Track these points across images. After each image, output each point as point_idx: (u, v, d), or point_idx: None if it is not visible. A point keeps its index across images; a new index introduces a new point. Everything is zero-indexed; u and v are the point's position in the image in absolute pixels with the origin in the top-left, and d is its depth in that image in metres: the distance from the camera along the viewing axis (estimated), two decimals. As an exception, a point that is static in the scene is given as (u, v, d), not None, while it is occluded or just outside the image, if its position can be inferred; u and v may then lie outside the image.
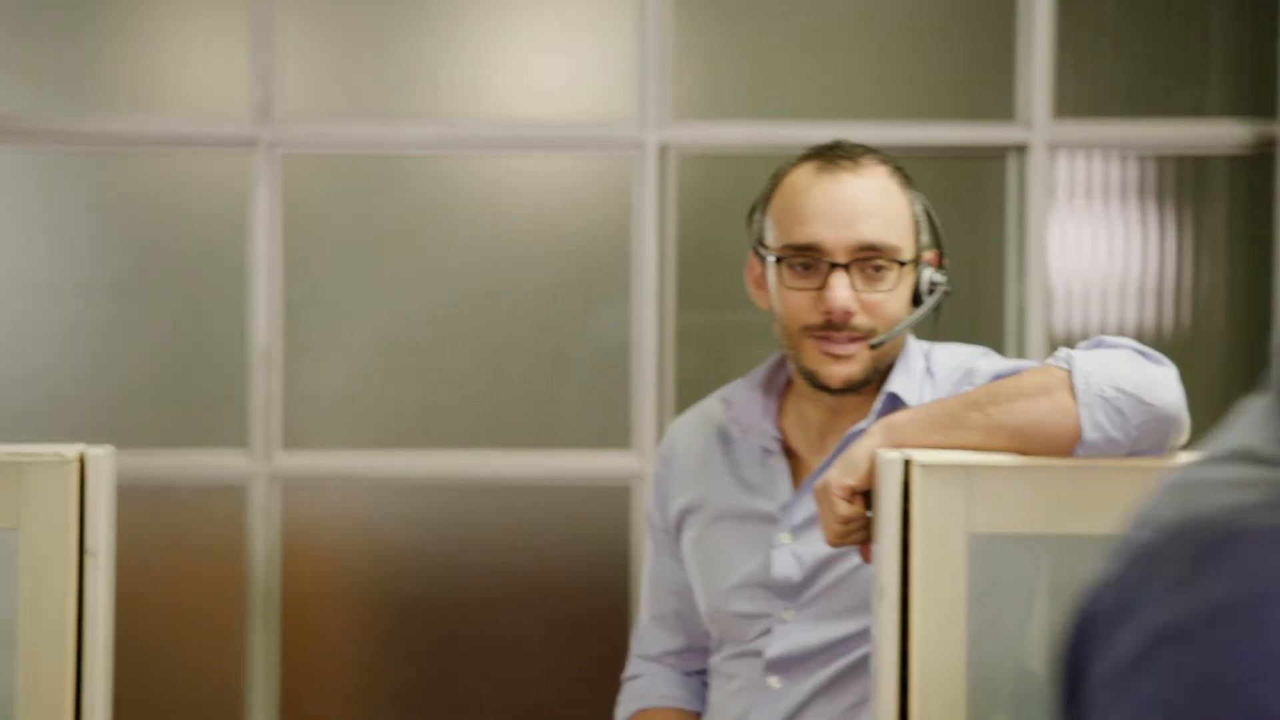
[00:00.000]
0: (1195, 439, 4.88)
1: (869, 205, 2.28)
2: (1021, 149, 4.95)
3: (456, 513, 5.03)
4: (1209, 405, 4.93)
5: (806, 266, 2.26)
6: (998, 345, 4.93)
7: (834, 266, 2.24)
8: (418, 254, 5.03)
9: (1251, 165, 4.94)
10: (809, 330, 2.27)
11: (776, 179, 2.35)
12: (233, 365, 4.98)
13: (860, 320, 2.25)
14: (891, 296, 2.27)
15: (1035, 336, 4.90)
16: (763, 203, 2.37)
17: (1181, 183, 4.97)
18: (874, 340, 2.28)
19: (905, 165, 2.36)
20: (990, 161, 4.99)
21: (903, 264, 2.29)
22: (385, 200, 5.04)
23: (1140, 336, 4.98)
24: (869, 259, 2.25)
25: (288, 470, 4.97)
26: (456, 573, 5.02)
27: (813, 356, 2.28)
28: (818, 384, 2.29)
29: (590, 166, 5.05)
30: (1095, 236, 5.01)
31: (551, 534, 4.99)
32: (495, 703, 5.02)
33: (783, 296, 2.30)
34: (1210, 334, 4.97)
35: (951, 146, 4.94)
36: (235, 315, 4.98)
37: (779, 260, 2.27)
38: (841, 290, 2.23)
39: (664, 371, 4.95)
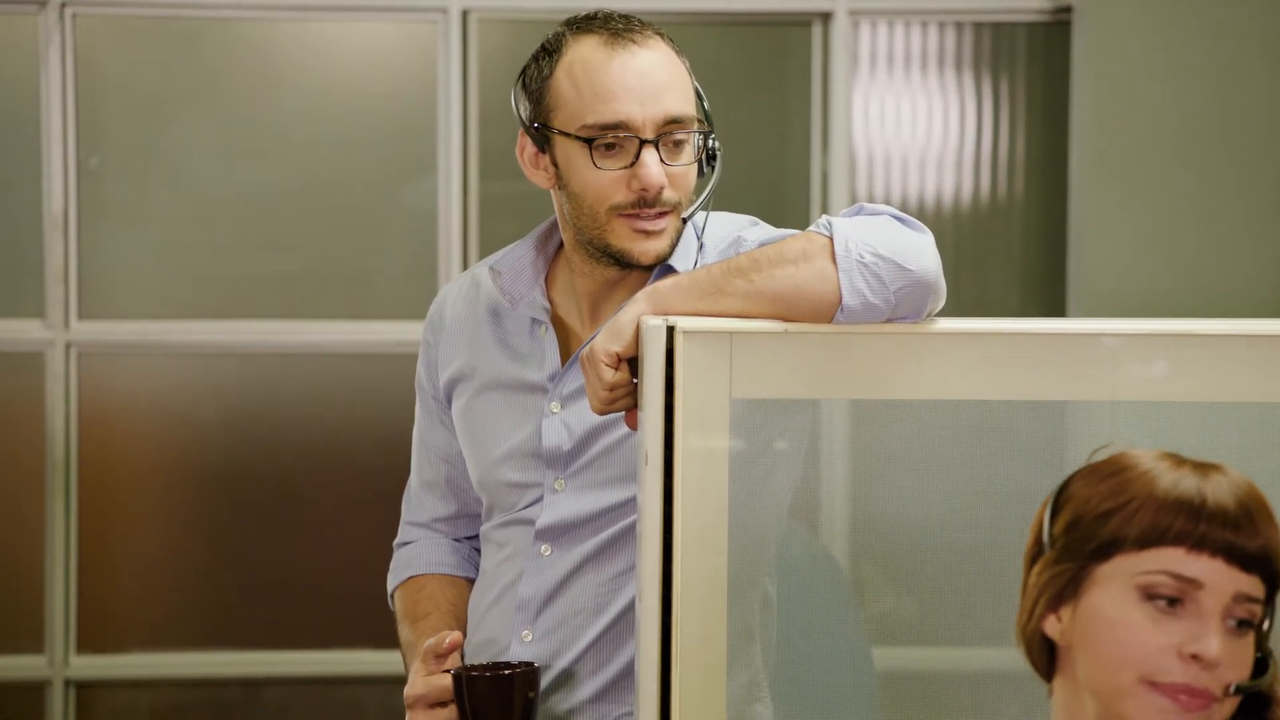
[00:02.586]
0: (1000, 304, 4.98)
1: (666, 78, 2.25)
2: (825, 16, 4.96)
3: (261, 383, 4.99)
4: (1008, 270, 5.01)
5: (611, 146, 2.24)
6: (802, 214, 4.96)
7: (644, 143, 2.22)
8: (218, 121, 4.95)
9: (1050, 33, 4.99)
10: (617, 209, 2.25)
11: (551, 56, 2.30)
12: (27, 232, 4.89)
13: (669, 194, 2.24)
14: (691, 168, 2.27)
15: (839, 205, 4.94)
16: (539, 81, 2.31)
17: (980, 50, 5.01)
18: (686, 212, 2.27)
19: (712, 33, 2.32)
20: (794, 29, 5.00)
21: (701, 134, 2.28)
22: (183, 65, 4.95)
23: (940, 204, 5.04)
24: (670, 132, 2.24)
25: (85, 339, 4.89)
26: (262, 443, 4.99)
27: (623, 235, 2.25)
28: (627, 262, 2.28)
29: (394, 32, 4.99)
30: (898, 104, 5.05)
31: (358, 403, 4.97)
32: (303, 573, 5.01)
33: (585, 178, 2.24)
34: (1010, 200, 5.03)
35: (756, 13, 4.94)
36: (30, 181, 4.88)
37: (584, 141, 2.24)
38: (655, 167, 2.21)
39: (469, 242, 4.93)
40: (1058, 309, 4.94)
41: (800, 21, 4.99)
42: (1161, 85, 4.82)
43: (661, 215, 2.26)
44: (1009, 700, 2.11)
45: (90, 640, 4.95)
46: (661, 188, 2.23)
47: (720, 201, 2.35)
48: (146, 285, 4.95)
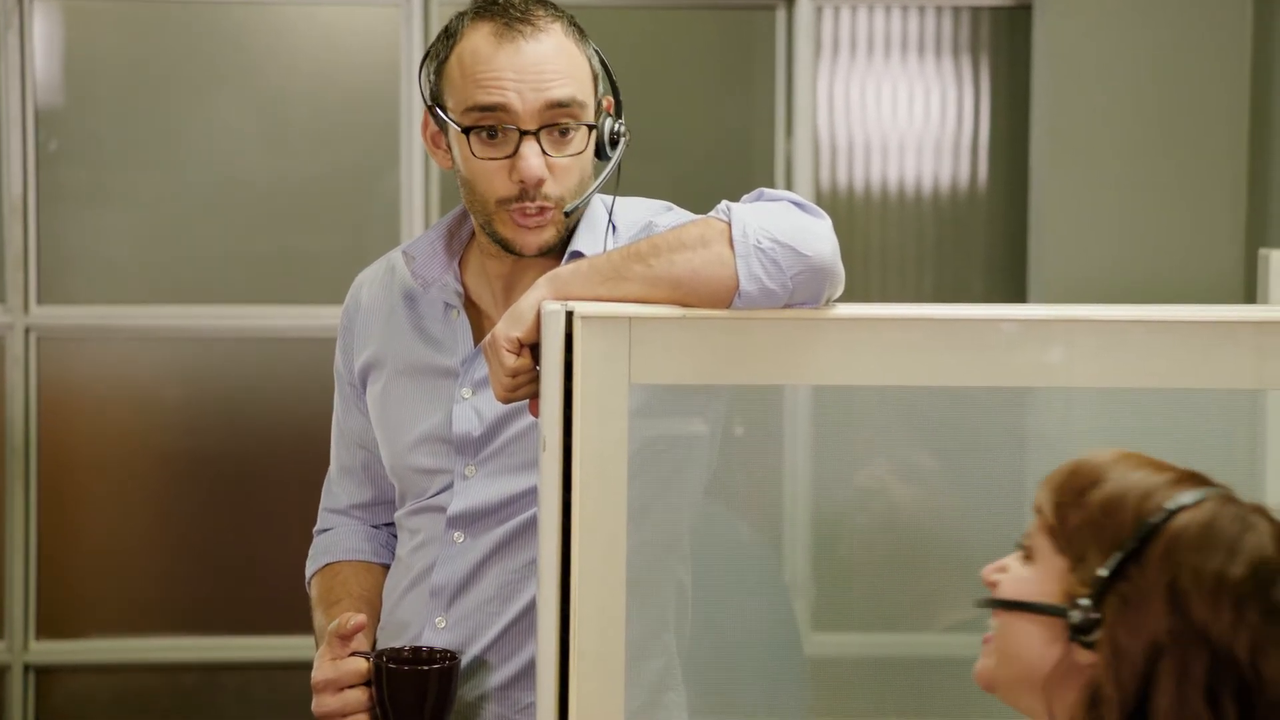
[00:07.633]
0: (962, 289, 4.96)
1: (553, 69, 2.23)
2: (789, 1, 4.94)
3: (222, 368, 4.98)
4: (972, 256, 5.00)
5: (493, 135, 2.23)
6: (766, 199, 4.94)
7: (524, 134, 2.21)
8: (179, 105, 4.93)
9: (1012, 18, 4.97)
10: (503, 203, 2.25)
11: (449, 39, 2.29)
12: (-14, 217, 4.88)
13: (550, 189, 2.23)
14: (579, 159, 2.25)
15: (803, 191, 4.92)
16: (437, 63, 2.30)
17: (942, 35, 4.99)
18: (568, 207, 2.26)
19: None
20: (759, 14, 4.98)
21: (589, 125, 2.26)
22: (144, 49, 4.93)
23: (904, 189, 5.03)
24: (555, 123, 2.22)
25: (45, 323, 4.88)
26: (223, 428, 4.98)
27: (507, 226, 2.25)
28: (512, 251, 2.27)
29: (357, 17, 4.97)
30: (862, 90, 5.03)
31: (319, 388, 4.94)
32: (264, 559, 5.00)
33: (472, 167, 2.25)
34: (973, 186, 5.02)
35: (718, -2, 4.93)
36: (-13, 165, 4.88)
37: (465, 130, 2.23)
38: (533, 159, 2.20)
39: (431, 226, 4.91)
40: (1019, 295, 4.92)
41: (764, 6, 4.97)
42: (1121, 72, 4.81)
43: (542, 211, 2.25)
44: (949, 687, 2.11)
45: (50, 625, 4.95)
46: (541, 180, 2.22)
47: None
48: (107, 270, 4.93)
